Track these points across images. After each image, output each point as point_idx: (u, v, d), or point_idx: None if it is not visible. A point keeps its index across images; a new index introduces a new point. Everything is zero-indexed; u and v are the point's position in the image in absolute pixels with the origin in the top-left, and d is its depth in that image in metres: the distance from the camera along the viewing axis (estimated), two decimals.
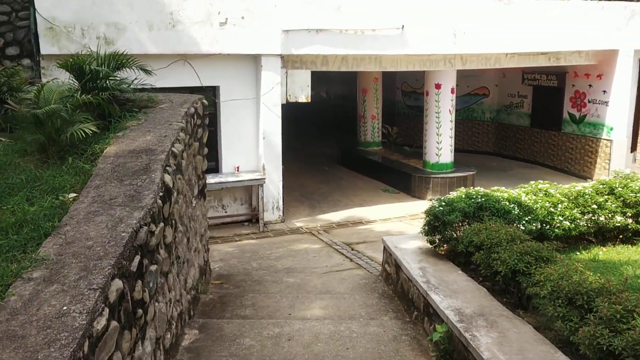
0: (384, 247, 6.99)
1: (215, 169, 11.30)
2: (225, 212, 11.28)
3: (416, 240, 6.86)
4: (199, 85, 10.62)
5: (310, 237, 10.32)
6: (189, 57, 10.40)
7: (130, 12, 9.68)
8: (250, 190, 11.29)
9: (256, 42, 10.52)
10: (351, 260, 8.75)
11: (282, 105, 11.22)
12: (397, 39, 11.53)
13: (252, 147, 11.24)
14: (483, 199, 6.36)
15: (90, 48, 8.98)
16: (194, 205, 6.01)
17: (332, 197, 13.21)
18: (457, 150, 14.08)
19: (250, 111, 11.12)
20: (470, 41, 12.09)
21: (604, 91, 14.26)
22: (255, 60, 10.94)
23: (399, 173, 13.75)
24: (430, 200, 11.88)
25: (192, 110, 6.04)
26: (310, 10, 10.78)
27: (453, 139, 13.31)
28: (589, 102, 14.59)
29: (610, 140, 14.23)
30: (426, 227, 6.46)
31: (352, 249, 9.39)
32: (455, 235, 6.05)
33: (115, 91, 5.86)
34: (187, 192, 5.59)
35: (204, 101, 6.76)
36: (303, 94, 11.17)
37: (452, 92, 13.06)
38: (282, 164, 11.30)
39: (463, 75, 15.51)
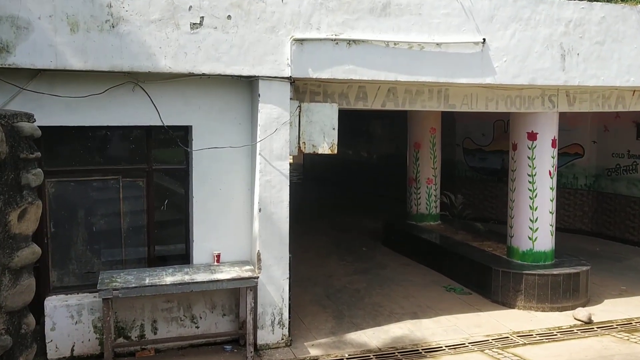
0: None
1: (184, 256, 7.15)
2: (197, 326, 7.02)
3: None
4: (159, 124, 6.64)
5: None
6: (141, 77, 6.48)
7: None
8: (237, 293, 7.05)
9: (250, 56, 6.55)
10: None
11: (296, 158, 7.13)
12: (474, 60, 7.39)
13: (242, 224, 7.08)
14: None
15: None
16: None
17: (370, 299, 8.81)
18: None
19: (241, 167, 7.03)
20: (586, 67, 7.85)
21: None
22: (249, 86, 6.95)
23: (471, 263, 9.29)
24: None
25: None
26: (338, 9, 6.81)
27: (554, 215, 8.85)
28: None
29: None
30: None
31: None
32: None
33: None
34: None
35: (20, 125, 2.65)
36: (326, 141, 7.03)
37: (554, 144, 8.72)
38: (291, 252, 7.07)
39: None
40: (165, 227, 7.20)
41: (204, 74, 6.49)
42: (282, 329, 7.01)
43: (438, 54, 7.21)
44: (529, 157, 8.63)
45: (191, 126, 6.81)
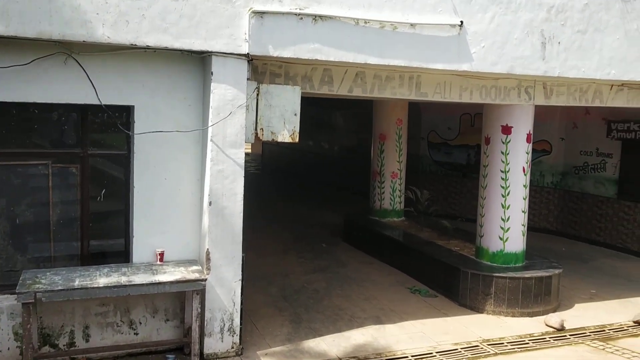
0: None
1: (123, 253, 6.33)
2: (136, 333, 6.22)
3: None
4: (96, 102, 5.79)
5: None
6: (75, 48, 5.61)
7: None
8: (182, 296, 6.28)
9: (203, 29, 5.77)
10: None
11: (255, 148, 6.39)
12: (450, 45, 6.77)
13: (190, 218, 6.31)
14: None
15: None
16: None
17: (330, 300, 8.17)
18: None
19: (189, 154, 6.25)
20: (567, 57, 7.34)
21: None
22: (201, 63, 6.16)
23: (437, 264, 8.74)
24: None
25: None
26: None
27: (526, 214, 8.36)
28: None
29: None
30: None
31: None
32: None
33: None
34: None
35: None
36: (286, 128, 6.31)
37: (529, 139, 8.21)
38: (244, 250, 6.34)
39: None
40: (102, 220, 6.36)
41: (148, 47, 5.67)
42: (233, 336, 6.28)
43: (412, 36, 6.56)
44: (502, 152, 8.11)
45: (133, 106, 5.98)
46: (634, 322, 7.75)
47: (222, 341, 6.23)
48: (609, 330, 7.51)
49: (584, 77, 7.51)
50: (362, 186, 14.40)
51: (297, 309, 7.76)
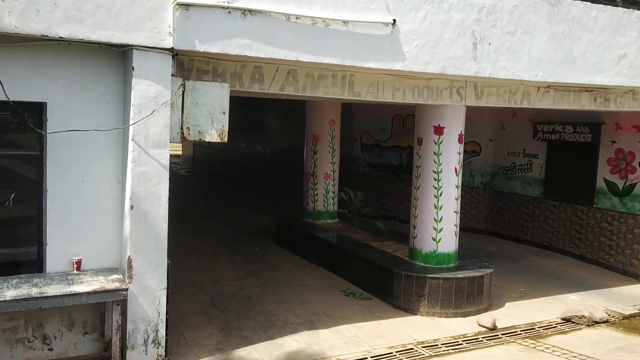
0: None
1: (35, 262, 5.82)
2: (50, 349, 5.74)
3: None
4: (3, 98, 5.29)
5: None
6: None
7: None
8: (102, 307, 5.85)
9: (123, 20, 5.38)
10: None
11: (186, 149, 6.03)
12: (383, 43, 6.65)
13: (110, 224, 5.88)
14: None
15: None
16: None
17: (262, 306, 7.89)
18: None
19: (109, 155, 5.83)
20: (497, 58, 7.39)
21: None
22: (122, 57, 5.76)
23: (371, 266, 8.63)
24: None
25: None
26: None
27: (459, 215, 8.38)
28: None
29: None
30: None
31: None
32: None
33: None
34: None
35: None
36: (214, 127, 5.99)
37: (460, 140, 8.23)
38: (170, 256, 5.97)
39: None
40: (12, 226, 5.83)
41: (62, 39, 5.23)
42: (158, 348, 5.90)
43: (344, 33, 6.39)
44: (435, 153, 8.09)
45: (45, 103, 5.51)
46: (562, 319, 7.91)
47: (145, 354, 5.84)
48: (538, 328, 7.61)
49: (513, 78, 7.58)
50: (295, 188, 14.18)
51: (227, 317, 7.44)
